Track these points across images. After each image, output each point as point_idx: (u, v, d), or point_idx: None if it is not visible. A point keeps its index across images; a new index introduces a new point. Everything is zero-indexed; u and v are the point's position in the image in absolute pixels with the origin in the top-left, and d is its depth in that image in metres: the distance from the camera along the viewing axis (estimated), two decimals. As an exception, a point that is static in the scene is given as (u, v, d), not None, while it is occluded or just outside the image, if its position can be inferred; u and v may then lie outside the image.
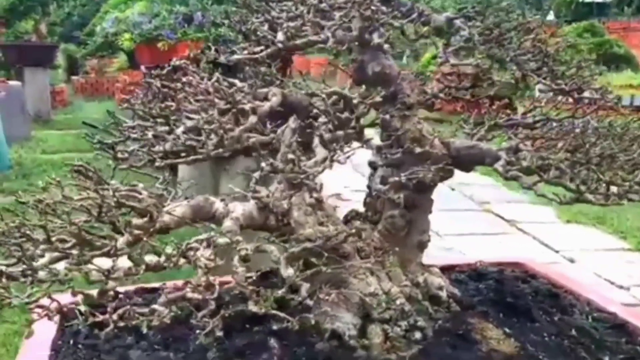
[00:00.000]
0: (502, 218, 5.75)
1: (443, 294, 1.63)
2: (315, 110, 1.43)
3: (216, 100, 1.36)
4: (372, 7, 1.29)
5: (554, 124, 1.63)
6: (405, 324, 1.52)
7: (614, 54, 8.71)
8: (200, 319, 1.14)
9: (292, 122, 1.53)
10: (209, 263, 1.24)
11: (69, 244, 1.37)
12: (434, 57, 8.18)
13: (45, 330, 1.64)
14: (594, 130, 1.50)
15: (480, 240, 5.14)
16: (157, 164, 1.52)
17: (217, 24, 3.97)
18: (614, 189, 1.38)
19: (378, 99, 1.54)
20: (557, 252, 5.09)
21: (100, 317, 1.16)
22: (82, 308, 1.35)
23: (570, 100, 1.61)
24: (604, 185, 1.32)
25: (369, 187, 1.66)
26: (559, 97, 1.62)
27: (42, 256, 1.40)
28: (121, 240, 1.39)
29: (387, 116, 1.51)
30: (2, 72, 9.90)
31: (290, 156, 1.47)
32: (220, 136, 1.26)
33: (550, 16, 13.94)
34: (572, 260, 4.93)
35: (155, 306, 1.16)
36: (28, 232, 1.37)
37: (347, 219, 1.68)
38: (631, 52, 8.99)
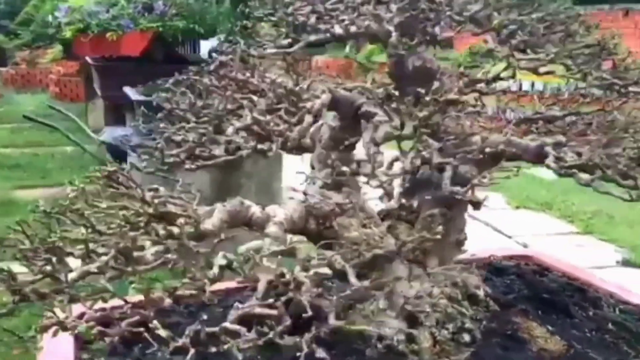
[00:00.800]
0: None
1: (481, 293, 1.60)
2: (364, 109, 1.36)
3: (260, 100, 1.27)
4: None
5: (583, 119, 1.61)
6: (452, 327, 1.48)
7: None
8: (279, 335, 1.05)
9: (331, 120, 1.45)
10: (270, 271, 1.16)
11: (107, 257, 1.26)
12: (379, 47, 8.16)
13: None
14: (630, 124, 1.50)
15: (434, 229, 5.19)
16: (188, 166, 1.42)
17: (181, 14, 3.81)
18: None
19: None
20: (510, 237, 5.20)
21: (162, 333, 1.05)
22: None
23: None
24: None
25: (402, 185, 1.61)
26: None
27: (70, 271, 1.29)
28: (152, 251, 1.29)
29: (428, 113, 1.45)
30: None
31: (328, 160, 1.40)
32: (285, 135, 1.17)
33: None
34: (525, 246, 5.04)
35: (227, 325, 1.06)
36: (60, 245, 1.25)
37: (380, 219, 1.62)
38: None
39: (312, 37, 1.44)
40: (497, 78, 1.65)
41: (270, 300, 1.08)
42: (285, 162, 4.38)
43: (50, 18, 4.49)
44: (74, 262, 1.34)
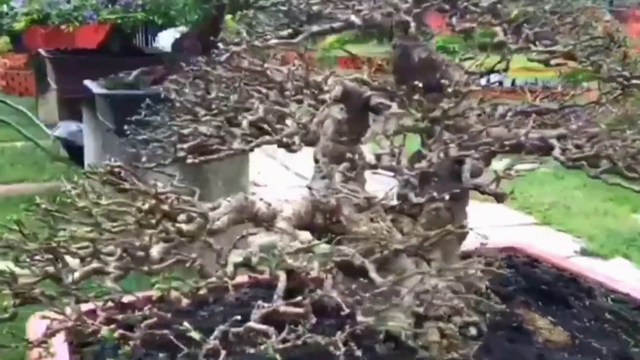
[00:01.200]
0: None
1: (482, 286, 1.60)
2: (374, 101, 1.33)
3: (271, 92, 1.24)
4: None
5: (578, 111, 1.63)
6: (458, 320, 1.47)
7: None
8: (304, 333, 1.02)
9: (337, 113, 1.43)
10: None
11: (113, 257, 1.20)
12: (338, 40, 8.12)
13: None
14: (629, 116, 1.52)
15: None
16: (191, 160, 1.37)
17: (146, 6, 3.70)
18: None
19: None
20: (470, 229, 5.28)
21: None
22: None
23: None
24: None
25: (401, 179, 1.59)
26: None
27: (72, 271, 1.23)
28: (157, 249, 1.24)
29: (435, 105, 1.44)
30: None
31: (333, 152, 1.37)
32: (307, 129, 1.14)
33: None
34: (485, 237, 5.12)
35: (253, 324, 1.02)
36: (64, 244, 1.19)
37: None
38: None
39: (315, 28, 1.41)
40: (492, 71, 1.66)
41: (298, 298, 1.05)
42: (252, 158, 4.33)
43: (5, 8, 4.31)
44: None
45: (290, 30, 1.48)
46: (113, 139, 5.56)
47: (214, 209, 1.36)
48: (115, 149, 5.83)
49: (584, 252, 4.82)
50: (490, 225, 5.66)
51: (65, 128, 5.74)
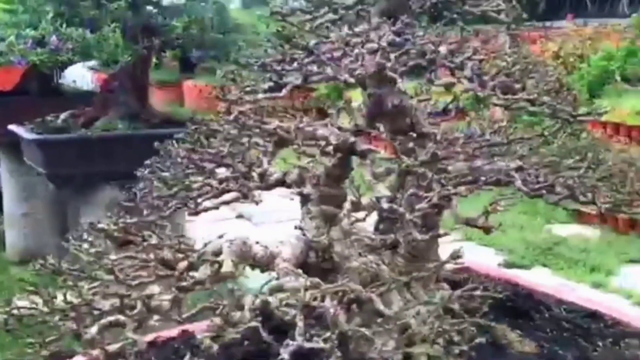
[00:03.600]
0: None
1: (456, 306, 1.75)
2: (360, 147, 1.46)
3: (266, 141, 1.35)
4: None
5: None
6: (442, 341, 1.60)
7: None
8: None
9: (325, 159, 1.54)
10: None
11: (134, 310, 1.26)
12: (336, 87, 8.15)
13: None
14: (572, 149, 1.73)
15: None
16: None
17: (77, 49, 3.70)
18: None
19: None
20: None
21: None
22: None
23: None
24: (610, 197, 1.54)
25: (381, 213, 1.72)
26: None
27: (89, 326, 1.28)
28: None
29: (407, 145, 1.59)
30: None
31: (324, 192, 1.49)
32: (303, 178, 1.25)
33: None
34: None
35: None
36: (87, 302, 1.24)
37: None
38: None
39: (298, 80, 1.53)
40: (445, 110, 1.84)
41: (327, 334, 1.15)
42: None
43: None
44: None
45: (271, 83, 1.59)
46: (34, 182, 5.43)
47: (216, 254, 1.45)
48: (38, 192, 5.68)
49: (507, 264, 5.12)
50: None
51: (-21, 173, 5.53)
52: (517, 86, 1.51)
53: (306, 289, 1.28)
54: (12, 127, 4.30)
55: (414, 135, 1.58)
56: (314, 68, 1.42)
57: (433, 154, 1.39)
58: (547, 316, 1.86)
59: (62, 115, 4.38)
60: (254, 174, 1.32)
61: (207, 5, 4.52)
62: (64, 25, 3.82)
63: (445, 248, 5.63)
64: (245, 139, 1.35)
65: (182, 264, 1.38)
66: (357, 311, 1.36)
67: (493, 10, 1.56)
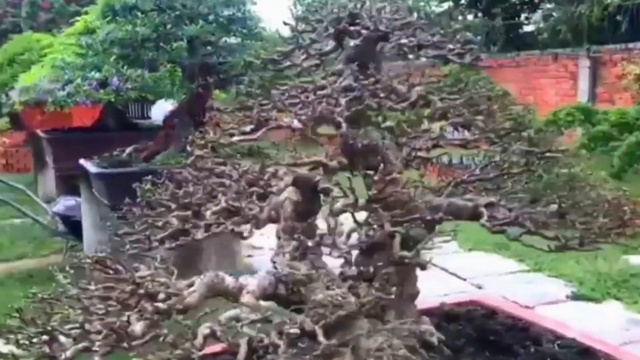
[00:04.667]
0: (407, 252, 6.00)
1: (434, 340, 1.79)
2: (321, 185, 1.56)
3: (233, 184, 1.47)
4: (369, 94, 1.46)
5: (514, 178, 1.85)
6: (411, 374, 1.65)
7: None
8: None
9: (293, 195, 1.64)
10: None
11: (100, 336, 1.40)
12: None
13: None
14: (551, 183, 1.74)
15: (392, 275, 5.35)
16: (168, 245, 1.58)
17: (135, 87, 3.99)
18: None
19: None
20: (464, 279, 5.43)
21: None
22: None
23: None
24: (578, 232, 1.54)
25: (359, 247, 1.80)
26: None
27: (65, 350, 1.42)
28: (139, 326, 1.44)
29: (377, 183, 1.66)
30: None
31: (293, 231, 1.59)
32: (256, 217, 1.36)
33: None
34: (479, 287, 5.27)
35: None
36: (57, 328, 1.39)
37: (342, 280, 1.80)
38: (504, 88, 9.75)
39: (273, 124, 1.64)
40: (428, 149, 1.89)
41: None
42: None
43: (3, 98, 4.60)
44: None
45: (252, 126, 1.71)
46: (110, 213, 5.79)
47: (189, 285, 1.57)
48: (113, 222, 6.05)
49: (576, 297, 4.93)
50: (485, 274, 5.77)
51: (63, 203, 5.96)
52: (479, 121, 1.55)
53: (257, 322, 1.37)
54: (81, 161, 4.64)
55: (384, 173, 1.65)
56: (272, 114, 1.54)
57: (378, 192, 1.46)
58: (533, 351, 1.85)
59: (128, 150, 4.70)
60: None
61: (260, 44, 4.73)
62: (125, 67, 4.12)
63: (509, 279, 5.52)
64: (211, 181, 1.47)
65: (161, 296, 1.51)
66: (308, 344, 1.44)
67: (453, 54, 1.62)
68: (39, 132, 6.43)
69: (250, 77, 1.64)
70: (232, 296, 1.59)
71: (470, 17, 13.64)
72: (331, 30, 1.63)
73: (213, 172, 1.47)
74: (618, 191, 1.69)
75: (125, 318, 1.41)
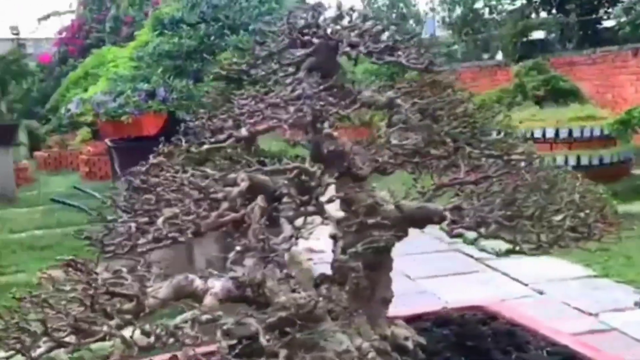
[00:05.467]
0: (471, 257, 5.90)
1: (409, 344, 1.79)
2: (280, 192, 1.60)
3: (191, 191, 1.53)
4: (321, 102, 1.50)
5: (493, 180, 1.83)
6: (378, 378, 1.66)
7: (560, 89, 9.11)
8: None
9: (261, 201, 1.70)
10: (194, 340, 1.39)
11: (65, 333, 1.50)
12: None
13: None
14: (525, 187, 1.71)
15: (453, 281, 5.27)
16: (139, 249, 1.67)
17: (181, 97, 4.16)
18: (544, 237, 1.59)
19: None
20: (526, 285, 5.27)
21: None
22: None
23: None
24: (535, 235, 1.52)
25: (334, 252, 1.83)
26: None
27: (39, 347, 1.54)
28: (112, 324, 1.53)
29: (343, 189, 1.69)
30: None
31: (260, 236, 1.64)
32: (197, 224, 1.42)
33: (499, 56, 14.54)
34: (541, 292, 5.10)
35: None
36: (26, 325, 1.50)
37: (317, 283, 1.84)
38: (576, 86, 9.43)
39: (243, 132, 1.70)
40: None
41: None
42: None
43: (63, 110, 4.92)
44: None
45: (225, 135, 1.78)
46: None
47: (157, 288, 1.65)
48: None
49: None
50: (548, 279, 5.59)
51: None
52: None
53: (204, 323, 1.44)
54: (132, 169, 4.85)
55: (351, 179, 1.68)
56: (229, 123, 1.60)
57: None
58: (514, 357, 1.82)
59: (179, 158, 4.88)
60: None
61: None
62: (171, 78, 4.31)
63: (573, 284, 5.34)
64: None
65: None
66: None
67: (408, 60, 1.62)
68: (107, 141, 6.77)
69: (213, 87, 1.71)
70: (198, 298, 1.66)
71: (543, 14, 13.26)
72: (286, 40, 1.67)
73: (166, 179, 1.55)
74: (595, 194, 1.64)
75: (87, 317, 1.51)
